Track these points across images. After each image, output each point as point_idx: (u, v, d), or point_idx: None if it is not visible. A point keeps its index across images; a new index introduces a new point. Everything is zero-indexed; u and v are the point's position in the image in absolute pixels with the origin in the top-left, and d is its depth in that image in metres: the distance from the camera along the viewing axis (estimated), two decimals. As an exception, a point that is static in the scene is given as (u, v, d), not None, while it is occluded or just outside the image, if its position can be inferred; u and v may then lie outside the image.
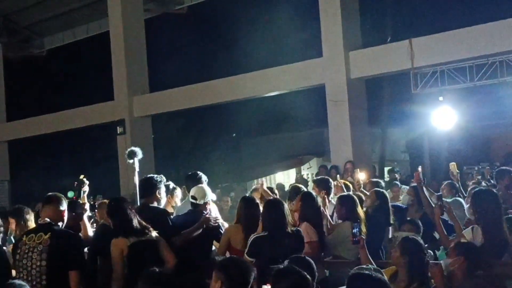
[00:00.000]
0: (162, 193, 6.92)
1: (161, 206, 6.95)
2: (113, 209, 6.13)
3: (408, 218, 7.34)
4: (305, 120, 24.45)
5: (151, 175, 7.10)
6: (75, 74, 23.19)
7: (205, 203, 6.87)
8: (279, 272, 4.09)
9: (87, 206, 7.08)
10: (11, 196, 20.49)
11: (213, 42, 23.39)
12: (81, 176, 7.18)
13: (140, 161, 8.84)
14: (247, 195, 7.65)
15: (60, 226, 5.71)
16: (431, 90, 12.95)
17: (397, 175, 13.12)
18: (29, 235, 5.59)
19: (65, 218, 5.82)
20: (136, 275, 5.48)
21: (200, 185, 7.14)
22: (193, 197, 6.87)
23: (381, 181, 9.28)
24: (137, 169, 8.66)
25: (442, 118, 13.41)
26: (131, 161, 8.68)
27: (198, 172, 7.63)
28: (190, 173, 7.77)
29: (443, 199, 6.90)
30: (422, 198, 7.32)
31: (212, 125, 25.00)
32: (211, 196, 6.99)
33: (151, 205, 6.75)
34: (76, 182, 7.23)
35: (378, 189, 7.90)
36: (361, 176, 9.63)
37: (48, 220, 5.63)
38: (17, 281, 4.68)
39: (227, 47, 22.25)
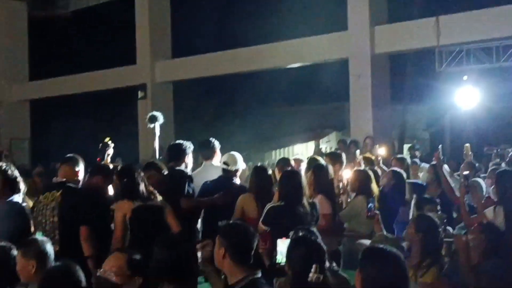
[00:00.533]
0: (190, 159, 6.97)
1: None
2: (122, 173, 6.16)
3: (427, 196, 7.30)
4: (326, 94, 24.30)
5: (181, 141, 7.12)
6: (99, 36, 23.14)
7: (236, 170, 6.92)
8: (293, 241, 4.10)
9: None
10: (30, 155, 20.69)
11: (238, 10, 23.20)
12: (107, 139, 7.26)
13: (160, 126, 8.89)
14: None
15: (75, 186, 5.88)
16: (455, 69, 12.82)
17: (417, 153, 13.00)
18: (44, 194, 5.82)
19: (80, 178, 5.99)
20: (138, 239, 5.59)
21: (232, 152, 7.24)
22: (225, 163, 6.97)
23: (407, 158, 9.19)
24: (157, 133, 8.74)
25: (465, 97, 13.30)
26: (151, 125, 8.77)
27: (211, 139, 7.63)
28: (203, 140, 7.79)
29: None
30: (440, 176, 7.31)
31: (233, 95, 24.94)
32: (241, 164, 7.08)
33: (176, 168, 6.81)
34: (101, 145, 7.30)
35: (396, 169, 7.88)
36: (381, 151, 9.60)
37: (63, 179, 5.85)
38: (40, 237, 4.81)
39: (252, 16, 22.06)
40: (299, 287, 3.78)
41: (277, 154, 23.10)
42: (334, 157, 8.04)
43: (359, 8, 13.77)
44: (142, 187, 5.93)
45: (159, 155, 8.74)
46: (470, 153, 8.78)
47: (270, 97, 25.16)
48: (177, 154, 6.94)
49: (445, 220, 5.93)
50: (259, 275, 4.03)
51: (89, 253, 5.66)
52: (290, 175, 6.14)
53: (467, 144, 8.21)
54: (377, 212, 5.83)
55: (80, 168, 6.02)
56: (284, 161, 8.49)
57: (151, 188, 6.02)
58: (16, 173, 5.67)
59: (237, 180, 7.08)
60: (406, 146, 19.09)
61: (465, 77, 13.35)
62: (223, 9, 23.23)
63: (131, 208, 5.80)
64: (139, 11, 17.71)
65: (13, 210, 5.45)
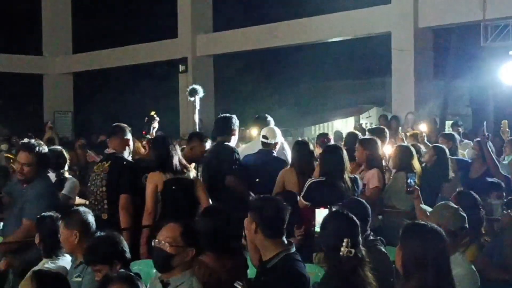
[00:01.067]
0: (236, 135, 7.00)
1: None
2: (156, 144, 6.15)
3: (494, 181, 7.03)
4: (367, 68, 24.05)
5: (229, 115, 7.10)
6: (141, 10, 23.29)
7: (275, 143, 6.97)
8: (327, 215, 4.09)
9: None
10: (74, 128, 21.02)
11: (280, -16, 23.03)
12: (152, 113, 7.33)
13: (200, 99, 8.93)
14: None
15: (127, 155, 6.03)
16: (501, 43, 12.55)
17: (460, 129, 12.82)
18: (97, 164, 6.08)
19: (131, 147, 6.12)
20: (169, 212, 5.64)
21: (271, 126, 7.26)
22: (264, 137, 6.99)
23: (454, 133, 9.04)
24: (197, 107, 8.78)
25: (510, 73, 13.02)
26: (192, 98, 8.81)
27: (267, 115, 7.74)
28: (258, 115, 7.90)
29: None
30: (485, 153, 7.22)
31: (273, 69, 24.87)
32: (281, 138, 7.11)
33: (226, 143, 6.81)
34: (147, 118, 7.38)
35: (438, 145, 7.79)
36: (423, 128, 9.50)
37: (113, 150, 6.01)
38: (81, 208, 4.93)
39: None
40: (332, 262, 3.77)
41: (316, 129, 22.93)
42: (377, 133, 7.97)
43: (403, -19, 13.55)
44: (175, 160, 5.90)
45: (199, 128, 8.79)
46: (508, 129, 8.60)
47: (310, 71, 25.02)
48: (225, 128, 6.90)
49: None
50: (293, 249, 4.03)
51: (125, 223, 5.77)
52: (332, 150, 6.12)
53: (505, 121, 8.03)
54: (417, 187, 5.78)
55: (129, 137, 6.13)
56: (324, 136, 8.47)
57: (184, 162, 6.01)
58: (45, 148, 5.68)
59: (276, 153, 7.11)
60: (448, 123, 18.86)
61: (510, 52, 13.03)
62: (264, -18, 23.07)
63: (162, 180, 5.81)
64: (181, -15, 17.73)
65: (42, 190, 5.49)
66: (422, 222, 3.71)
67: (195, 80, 15.45)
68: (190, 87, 9.19)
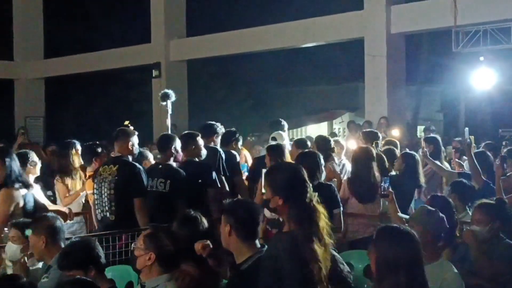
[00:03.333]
0: (218, 140, 7.35)
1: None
2: None
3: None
4: (340, 74, 24.22)
5: (212, 122, 7.51)
6: (114, 14, 23.17)
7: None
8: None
9: None
10: (45, 133, 20.80)
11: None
12: (126, 122, 7.36)
13: (174, 105, 8.94)
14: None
15: (131, 159, 6.21)
16: (472, 49, 12.68)
17: (432, 134, 12.95)
18: (103, 166, 6.20)
19: (135, 150, 6.29)
20: None
21: (280, 131, 8.00)
22: (273, 139, 7.61)
23: (437, 136, 9.01)
24: (169, 111, 8.81)
25: (481, 78, 13.18)
26: (164, 103, 8.88)
27: (281, 119, 8.41)
28: (272, 120, 8.68)
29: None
30: (468, 158, 7.24)
31: (246, 74, 24.89)
32: (287, 140, 7.76)
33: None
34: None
35: (407, 152, 7.80)
36: (395, 133, 9.55)
37: (118, 153, 6.18)
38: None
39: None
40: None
41: (290, 135, 23.03)
42: (371, 136, 8.10)
43: (375, -13, 13.66)
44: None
45: (172, 133, 8.78)
46: (468, 137, 8.28)
47: (283, 77, 25.11)
48: (207, 133, 7.25)
49: None
50: None
51: (143, 224, 5.84)
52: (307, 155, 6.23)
53: (467, 128, 7.96)
54: (392, 191, 5.80)
55: (134, 141, 6.27)
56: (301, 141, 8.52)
57: None
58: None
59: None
60: (420, 128, 19.04)
61: (481, 58, 13.21)
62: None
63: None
64: (154, -11, 17.67)
65: None
66: (395, 225, 3.72)
67: (168, 85, 15.35)
68: (162, 92, 9.25)
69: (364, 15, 13.99)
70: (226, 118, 18.16)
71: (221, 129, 7.35)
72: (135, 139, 6.30)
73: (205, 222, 4.45)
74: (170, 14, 17.54)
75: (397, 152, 7.98)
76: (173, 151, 6.47)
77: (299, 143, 7.44)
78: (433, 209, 4.61)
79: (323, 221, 3.69)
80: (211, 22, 19.74)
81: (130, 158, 6.22)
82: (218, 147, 7.30)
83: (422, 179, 7.36)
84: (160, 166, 6.50)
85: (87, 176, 7.06)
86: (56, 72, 20.83)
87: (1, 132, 17.34)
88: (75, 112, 24.47)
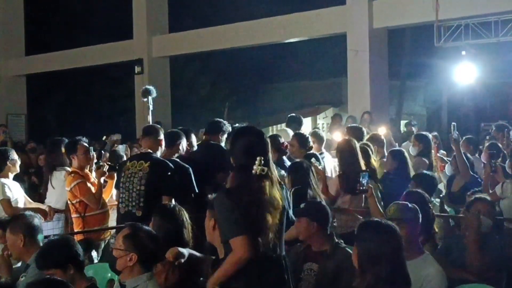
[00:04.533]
0: (224, 138, 7.23)
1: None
2: None
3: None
4: (323, 69, 24.25)
5: (220, 119, 7.47)
6: (95, 10, 22.99)
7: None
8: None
9: None
10: (27, 130, 20.64)
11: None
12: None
13: (156, 102, 8.93)
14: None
15: (159, 155, 6.30)
16: (454, 43, 12.72)
17: (413, 128, 13.00)
18: (132, 161, 6.25)
19: (163, 147, 6.41)
20: None
21: (286, 128, 8.25)
22: (278, 135, 7.71)
23: (427, 134, 8.94)
24: (151, 108, 8.81)
25: (463, 73, 13.24)
26: (145, 99, 8.88)
27: (299, 116, 8.69)
28: (290, 115, 8.88)
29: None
30: (456, 153, 7.19)
31: (230, 70, 24.86)
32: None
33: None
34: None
35: (395, 149, 7.76)
36: (381, 131, 9.49)
37: (148, 149, 6.23)
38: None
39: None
40: (243, 178, 3.71)
41: (273, 130, 23.02)
42: (356, 132, 8.02)
43: (357, -18, 13.67)
44: None
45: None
46: (455, 133, 8.23)
47: (267, 72, 25.09)
48: (214, 129, 7.23)
49: None
50: None
51: None
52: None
53: (454, 123, 7.92)
54: (371, 185, 5.80)
55: (162, 138, 6.38)
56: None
57: None
58: None
59: None
60: (403, 122, 19.10)
61: (463, 52, 13.26)
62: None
63: None
64: (136, -15, 17.56)
65: None
66: (376, 219, 3.77)
67: (151, 82, 15.30)
68: (143, 88, 9.27)
69: (347, 10, 14.00)
70: (210, 114, 18.13)
71: (227, 127, 7.28)
72: (162, 135, 6.43)
73: (185, 214, 4.42)
74: (152, 9, 17.45)
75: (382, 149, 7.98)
76: (180, 147, 6.62)
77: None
78: (407, 204, 4.62)
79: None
80: (193, 17, 19.69)
81: (158, 154, 6.31)
82: (223, 144, 7.26)
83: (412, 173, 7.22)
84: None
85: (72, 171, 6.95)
86: (38, 69, 20.66)
87: (-18, 129, 17.15)
88: (57, 109, 24.29)
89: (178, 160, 6.49)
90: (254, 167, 3.66)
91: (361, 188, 5.72)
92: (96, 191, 6.76)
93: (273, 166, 3.80)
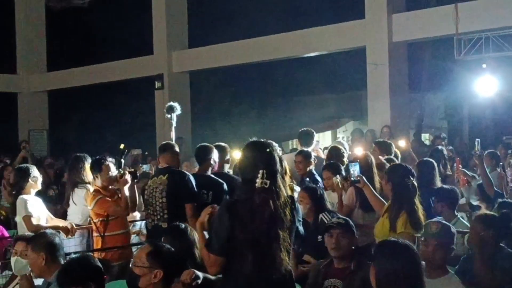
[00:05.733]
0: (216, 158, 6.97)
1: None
2: None
3: None
4: (343, 83, 24.19)
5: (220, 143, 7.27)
6: (116, 27, 23.16)
7: None
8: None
9: None
10: (49, 146, 20.82)
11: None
12: (121, 146, 7.28)
13: (177, 116, 8.94)
14: None
15: (177, 167, 6.50)
16: (474, 56, 12.66)
17: (443, 143, 12.46)
18: (153, 178, 6.46)
19: (180, 160, 6.73)
20: None
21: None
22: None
23: (443, 147, 8.81)
24: (174, 124, 8.84)
25: (484, 85, 13.16)
26: (169, 115, 8.91)
27: (312, 130, 8.55)
28: (302, 129, 8.68)
29: None
30: (480, 169, 7.22)
31: (249, 84, 24.87)
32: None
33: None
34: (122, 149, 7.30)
35: (421, 160, 7.59)
36: (401, 143, 9.43)
37: (166, 165, 6.41)
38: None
39: (268, 5, 22.00)
40: (247, 191, 3.75)
41: (294, 144, 22.99)
42: (384, 147, 7.96)
43: (376, -4, 13.66)
44: None
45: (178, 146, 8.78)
46: (479, 149, 8.06)
47: (287, 86, 25.09)
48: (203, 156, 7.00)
49: None
50: None
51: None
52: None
53: (478, 139, 7.79)
54: (361, 175, 5.82)
55: (178, 151, 6.59)
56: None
57: None
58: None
59: None
60: (424, 136, 18.99)
61: (484, 65, 13.18)
62: (239, -2, 23.13)
63: None
64: (156, 1, 17.70)
65: None
66: (394, 239, 3.78)
67: (171, 97, 15.38)
68: (168, 104, 9.26)
69: (366, 24, 13.99)
70: (230, 129, 18.17)
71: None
72: (178, 149, 6.62)
73: (194, 234, 4.43)
74: (172, 25, 17.58)
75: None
76: (212, 162, 6.62)
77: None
78: (450, 226, 4.61)
79: None
80: (213, 33, 19.74)
81: (177, 167, 6.50)
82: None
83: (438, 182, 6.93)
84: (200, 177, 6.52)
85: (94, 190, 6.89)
86: (59, 85, 20.87)
87: (5, 145, 17.35)
88: (78, 124, 24.47)
89: (212, 176, 6.49)
90: (257, 180, 3.67)
91: (352, 179, 5.75)
92: (122, 198, 6.51)
93: (280, 179, 3.77)
